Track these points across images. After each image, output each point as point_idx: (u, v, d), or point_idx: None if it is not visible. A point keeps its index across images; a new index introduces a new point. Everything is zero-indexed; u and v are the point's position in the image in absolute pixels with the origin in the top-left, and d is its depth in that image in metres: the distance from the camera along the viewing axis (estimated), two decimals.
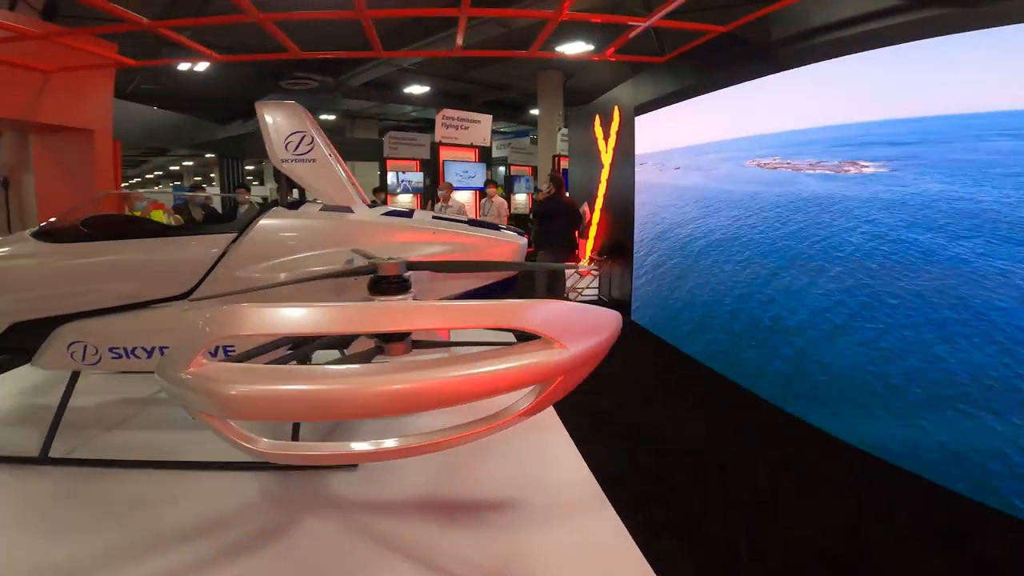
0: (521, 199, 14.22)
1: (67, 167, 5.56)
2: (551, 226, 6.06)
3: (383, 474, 2.30)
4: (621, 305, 5.92)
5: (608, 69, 10.44)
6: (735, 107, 4.27)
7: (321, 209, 2.82)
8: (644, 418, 3.59)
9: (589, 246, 6.98)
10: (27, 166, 5.50)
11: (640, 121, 5.76)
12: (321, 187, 2.80)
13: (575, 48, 8.77)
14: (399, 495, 2.18)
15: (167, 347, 2.38)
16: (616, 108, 6.43)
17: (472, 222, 3.07)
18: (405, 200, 10.56)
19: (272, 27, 3.89)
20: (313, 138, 2.77)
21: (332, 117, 16.96)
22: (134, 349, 2.41)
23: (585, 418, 3.12)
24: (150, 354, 2.41)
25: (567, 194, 6.94)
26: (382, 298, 1.82)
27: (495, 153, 14.89)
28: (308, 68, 10.40)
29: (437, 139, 8.70)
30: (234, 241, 2.50)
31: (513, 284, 3.03)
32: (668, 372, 4.47)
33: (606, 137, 6.73)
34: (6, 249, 2.54)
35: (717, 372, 4.18)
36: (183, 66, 9.49)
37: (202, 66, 9.63)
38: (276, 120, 2.76)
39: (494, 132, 20.98)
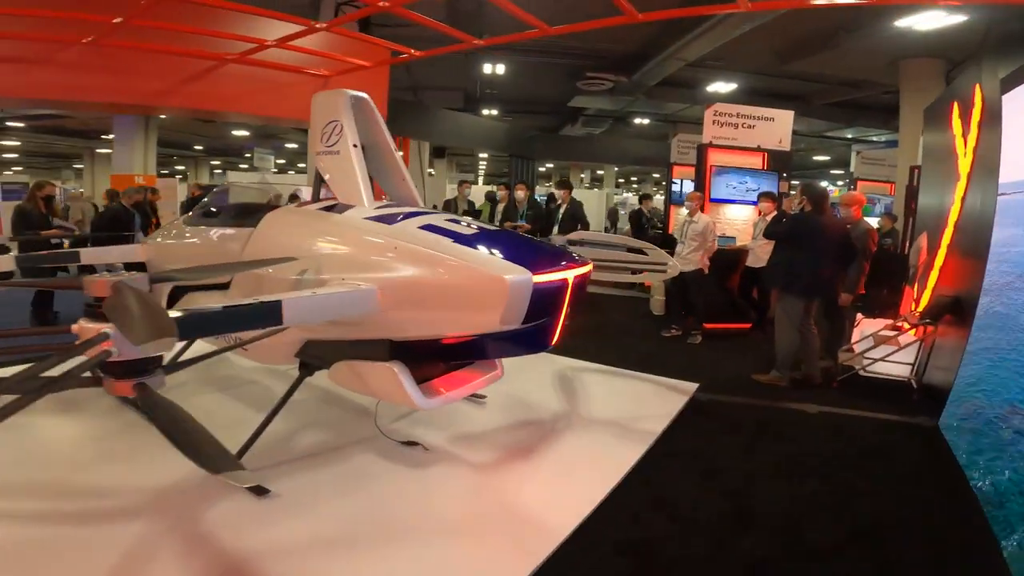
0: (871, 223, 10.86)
1: None
2: (797, 257, 4.27)
3: None
4: (937, 398, 3.72)
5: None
6: None
7: (323, 208, 2.60)
8: None
9: (922, 300, 4.58)
10: None
11: (1013, 101, 3.43)
12: (337, 181, 2.60)
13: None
14: None
15: None
16: (976, 88, 4.08)
17: (488, 235, 2.27)
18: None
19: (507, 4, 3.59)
20: (342, 128, 2.53)
21: (646, 122, 16.57)
22: None
23: None
24: None
25: (835, 214, 4.84)
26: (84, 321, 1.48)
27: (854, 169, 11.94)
28: (600, 67, 10.22)
29: (705, 140, 7.32)
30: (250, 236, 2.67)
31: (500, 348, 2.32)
32: None
33: (964, 134, 4.33)
34: (175, 230, 3.19)
35: None
36: (488, 68, 10.46)
37: (503, 69, 10.48)
38: (319, 109, 2.64)
39: (853, 141, 17.01)
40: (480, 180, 28.22)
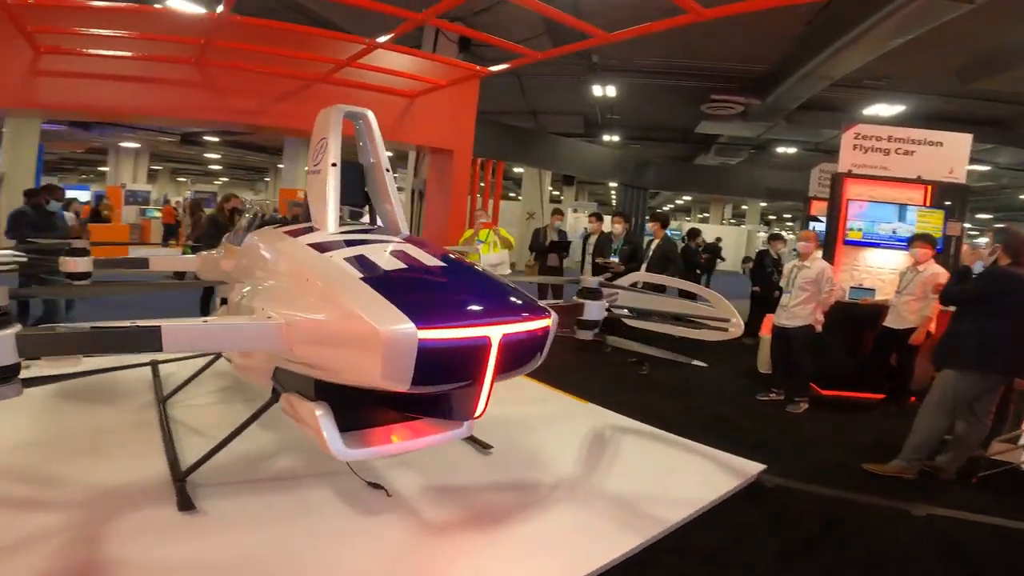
0: None
1: (441, 183, 6.72)
2: (992, 325, 3.23)
3: None
4: None
5: None
6: None
7: (291, 229, 2.46)
8: None
9: None
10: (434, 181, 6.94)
11: None
12: (313, 200, 2.45)
13: None
14: None
15: None
16: None
17: (420, 272, 1.87)
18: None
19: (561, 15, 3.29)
20: (327, 146, 2.37)
21: (791, 151, 14.80)
22: None
23: None
24: None
25: None
26: None
27: None
28: (728, 89, 9.25)
29: (842, 168, 6.12)
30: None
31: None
32: None
33: None
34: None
35: None
36: (599, 90, 10.04)
37: (614, 92, 9.98)
38: (317, 126, 2.52)
39: None
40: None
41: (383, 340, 1.43)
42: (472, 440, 3.10)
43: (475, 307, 1.63)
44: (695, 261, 8.91)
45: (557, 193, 26.91)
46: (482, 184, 7.74)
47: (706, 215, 31.26)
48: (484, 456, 3.03)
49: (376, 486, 2.64)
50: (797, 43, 7.22)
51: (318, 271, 1.84)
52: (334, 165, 2.46)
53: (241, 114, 5.07)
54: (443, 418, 2.02)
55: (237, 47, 4.43)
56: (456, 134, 6.29)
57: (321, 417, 1.94)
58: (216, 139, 18.32)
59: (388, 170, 2.71)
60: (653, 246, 6.33)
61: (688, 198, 30.58)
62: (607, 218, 8.58)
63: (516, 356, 1.68)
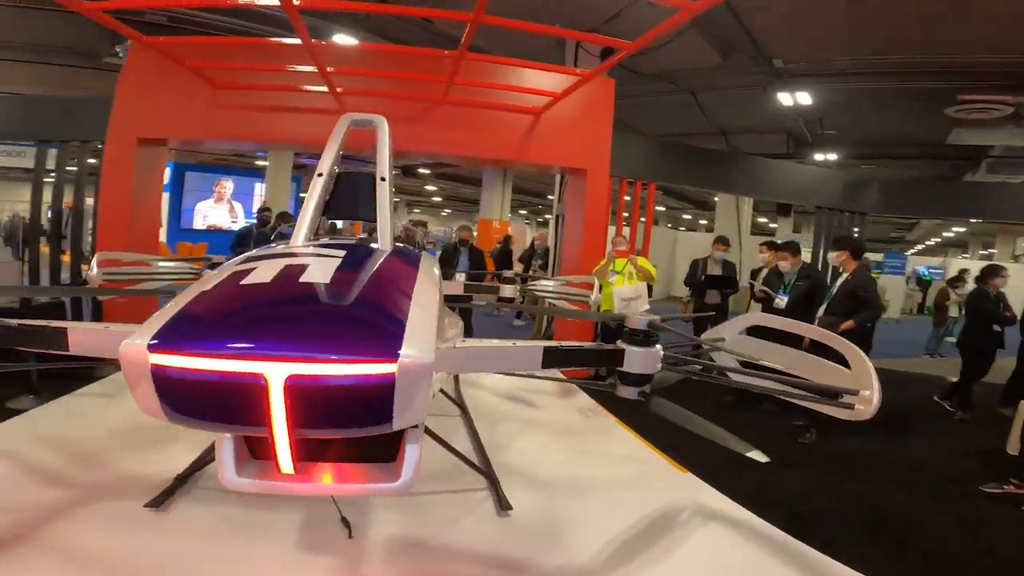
0: None
1: (575, 207, 6.30)
2: None
3: None
4: None
5: None
6: None
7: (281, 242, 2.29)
8: None
9: None
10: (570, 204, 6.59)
11: None
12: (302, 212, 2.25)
13: None
14: None
15: None
16: None
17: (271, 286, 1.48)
18: None
19: None
20: (322, 156, 2.21)
21: None
22: None
23: None
24: None
25: None
26: None
27: None
28: (980, 89, 6.91)
29: None
30: None
31: None
32: None
33: None
34: None
35: None
36: (787, 99, 8.46)
37: (810, 99, 8.31)
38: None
39: None
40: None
41: (121, 355, 1.13)
42: (493, 490, 2.35)
43: (258, 335, 1.20)
44: (991, 313, 5.76)
45: (767, 222, 23.86)
46: (627, 207, 6.99)
47: (991, 250, 24.61)
48: (501, 519, 2.21)
49: (345, 522, 2.19)
50: None
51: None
52: (319, 175, 2.27)
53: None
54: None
55: (365, 74, 4.76)
56: (588, 151, 5.83)
57: (225, 438, 1.70)
58: (427, 171, 20.63)
59: (384, 179, 2.39)
60: (840, 282, 4.92)
61: (960, 229, 24.32)
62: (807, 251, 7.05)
63: (325, 406, 1.21)
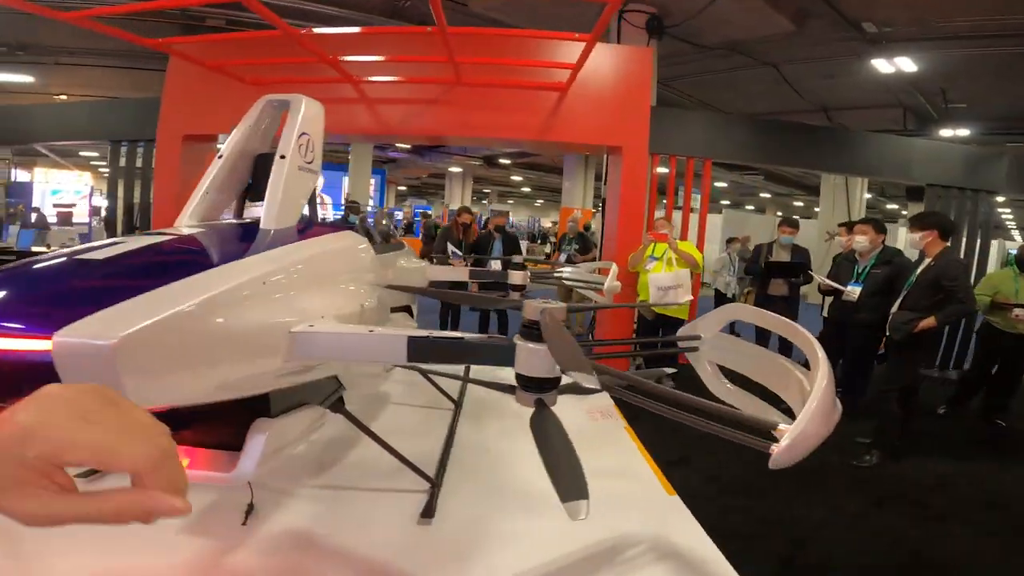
0: None
1: (614, 188, 5.82)
2: None
3: None
4: None
5: None
6: None
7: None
8: None
9: None
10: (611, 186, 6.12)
11: None
12: None
13: None
14: None
15: None
16: None
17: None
18: None
19: None
20: (231, 135, 2.11)
21: None
22: None
23: None
24: None
25: None
26: None
27: None
28: None
29: None
30: None
31: None
32: None
33: None
34: None
35: None
36: (886, 66, 7.12)
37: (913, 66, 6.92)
38: None
39: None
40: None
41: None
42: (428, 494, 1.94)
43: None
44: None
45: (898, 208, 20.86)
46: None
47: None
48: (416, 525, 1.84)
49: (249, 508, 1.92)
50: None
51: None
52: (219, 157, 2.15)
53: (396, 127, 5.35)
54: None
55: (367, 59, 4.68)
56: (623, 127, 5.32)
57: None
58: (507, 160, 20.52)
59: (283, 157, 2.21)
60: (920, 268, 4.03)
61: None
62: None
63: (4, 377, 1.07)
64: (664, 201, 7.68)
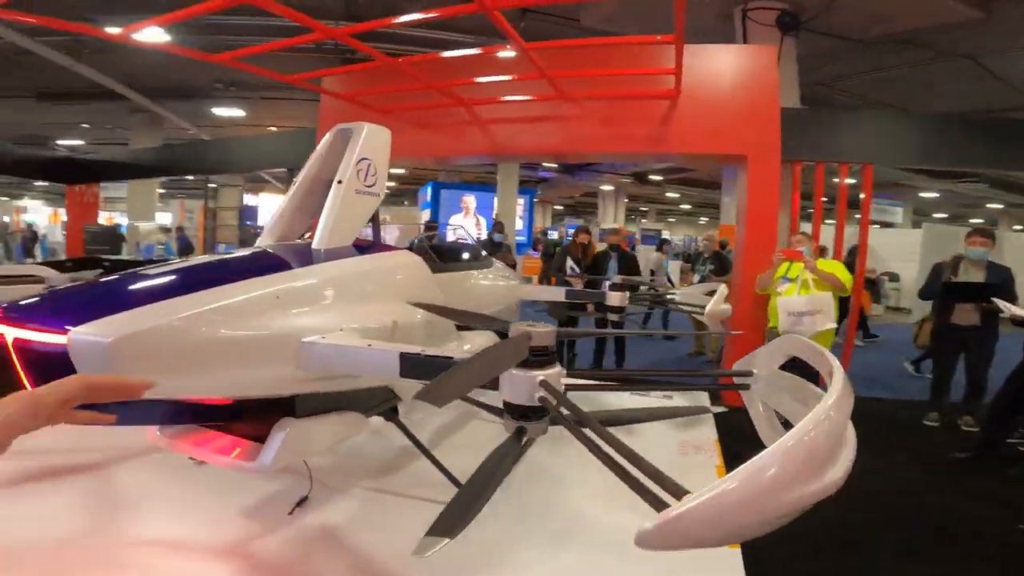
0: None
1: (742, 195, 5.28)
2: None
3: None
4: None
5: None
6: None
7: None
8: None
9: None
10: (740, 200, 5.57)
11: None
12: None
13: None
14: None
15: None
16: None
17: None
18: None
19: None
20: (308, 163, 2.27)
21: None
22: None
23: None
24: None
25: None
26: None
27: None
28: None
29: None
30: None
31: None
32: None
33: None
34: None
35: None
36: None
37: None
38: None
39: None
40: None
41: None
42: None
43: (31, 304, 1.46)
44: None
45: None
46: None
47: None
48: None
49: (302, 500, 2.10)
50: None
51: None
52: (295, 183, 2.33)
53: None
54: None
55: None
56: (748, 133, 4.80)
57: None
58: (658, 176, 19.72)
59: (340, 182, 2.37)
60: None
61: None
62: None
63: (33, 367, 1.40)
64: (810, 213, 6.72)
